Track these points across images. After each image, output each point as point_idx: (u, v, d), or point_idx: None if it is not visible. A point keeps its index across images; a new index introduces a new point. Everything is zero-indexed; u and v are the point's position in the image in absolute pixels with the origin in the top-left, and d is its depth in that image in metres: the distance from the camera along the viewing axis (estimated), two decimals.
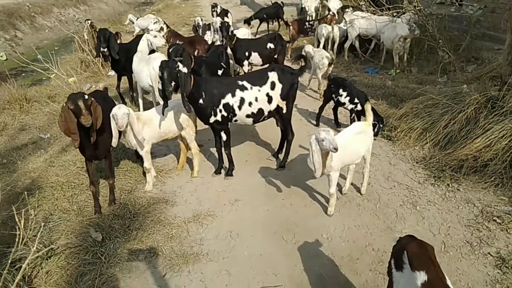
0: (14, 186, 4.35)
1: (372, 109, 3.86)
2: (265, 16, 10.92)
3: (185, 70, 3.48)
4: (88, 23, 9.39)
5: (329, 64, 6.10)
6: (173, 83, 3.47)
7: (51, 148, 5.51)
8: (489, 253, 3.06)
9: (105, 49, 5.87)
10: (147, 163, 3.95)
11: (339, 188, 3.90)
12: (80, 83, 8.44)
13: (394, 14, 7.43)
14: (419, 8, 7.39)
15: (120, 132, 3.66)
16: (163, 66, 3.44)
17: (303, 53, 5.92)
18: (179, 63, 3.45)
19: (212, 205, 3.81)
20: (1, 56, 14.65)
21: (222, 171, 4.34)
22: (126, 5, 33.47)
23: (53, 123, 6.44)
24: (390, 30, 7.09)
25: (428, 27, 7.16)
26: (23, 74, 12.02)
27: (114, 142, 3.62)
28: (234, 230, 3.45)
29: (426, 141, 4.62)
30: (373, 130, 4.35)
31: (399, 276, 2.04)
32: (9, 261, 2.69)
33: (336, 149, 3.00)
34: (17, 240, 2.75)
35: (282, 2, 11.03)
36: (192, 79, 3.64)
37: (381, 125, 4.82)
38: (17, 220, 2.68)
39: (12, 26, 18.66)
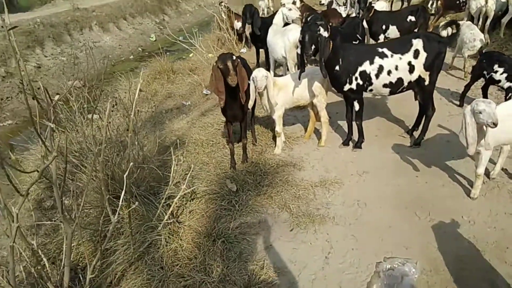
0: (163, 140, 5.01)
1: None
2: None
3: (325, 34, 3.48)
4: (222, 5, 10.08)
5: (481, 48, 5.33)
6: (313, 47, 3.49)
7: (192, 113, 6.17)
8: None
9: (250, 24, 6.23)
10: (279, 127, 4.10)
11: (486, 172, 3.44)
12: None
13: None
14: None
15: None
16: (304, 29, 3.49)
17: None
18: (320, 27, 3.45)
19: (339, 173, 3.78)
20: (152, 37, 16.84)
21: (350, 143, 4.25)
22: None
23: (194, 92, 7.19)
24: None
25: None
26: (167, 53, 13.60)
27: (251, 104, 3.86)
28: (362, 199, 3.37)
29: None
30: None
31: None
32: (165, 195, 3.14)
33: (495, 124, 2.66)
34: (171, 179, 3.18)
35: None
36: (331, 45, 3.61)
37: None
38: (173, 160, 3.10)
39: (161, 11, 21.22)
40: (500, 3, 6.97)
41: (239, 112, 3.78)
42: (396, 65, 3.67)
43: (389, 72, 3.69)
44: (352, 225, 3.10)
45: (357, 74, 3.73)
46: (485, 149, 2.97)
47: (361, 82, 3.76)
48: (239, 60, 3.43)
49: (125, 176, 2.47)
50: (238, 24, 9.55)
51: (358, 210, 3.26)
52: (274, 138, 4.38)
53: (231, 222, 3.17)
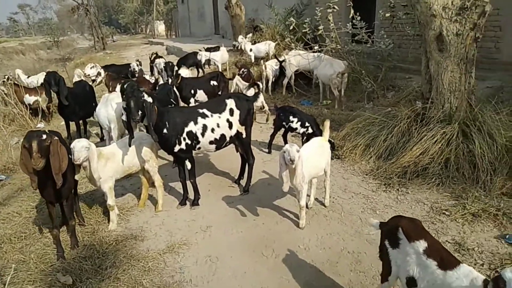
0: None
1: None
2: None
3: (150, 99, 3.52)
4: (8, 82, 8.81)
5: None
6: (139, 112, 3.47)
7: None
8: (446, 241, 3.42)
9: (56, 92, 5.62)
10: (111, 199, 3.76)
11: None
12: (6, 137, 7.77)
13: (319, 50, 8.27)
14: (340, 46, 8.35)
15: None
16: (129, 95, 3.44)
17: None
18: (144, 93, 3.48)
19: (185, 234, 3.72)
20: None
21: (187, 202, 4.29)
22: (43, 62, 31.98)
23: None
24: (327, 67, 7.64)
25: (350, 62, 8.08)
26: None
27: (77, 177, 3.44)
28: (213, 254, 3.40)
29: (370, 155, 5.09)
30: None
31: (396, 253, 2.22)
32: None
33: (292, 161, 3.18)
34: None
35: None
36: (156, 110, 3.67)
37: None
38: None
39: None
40: (274, 69, 8.72)
41: (62, 190, 3.28)
42: (218, 123, 4.04)
43: (212, 130, 4.01)
44: (211, 282, 3.06)
45: (184, 135, 3.89)
46: (301, 185, 3.51)
47: (189, 142, 3.93)
48: (52, 138, 3.03)
49: None
50: (30, 98, 8.49)
51: (212, 266, 3.26)
52: (104, 213, 3.99)
53: None
